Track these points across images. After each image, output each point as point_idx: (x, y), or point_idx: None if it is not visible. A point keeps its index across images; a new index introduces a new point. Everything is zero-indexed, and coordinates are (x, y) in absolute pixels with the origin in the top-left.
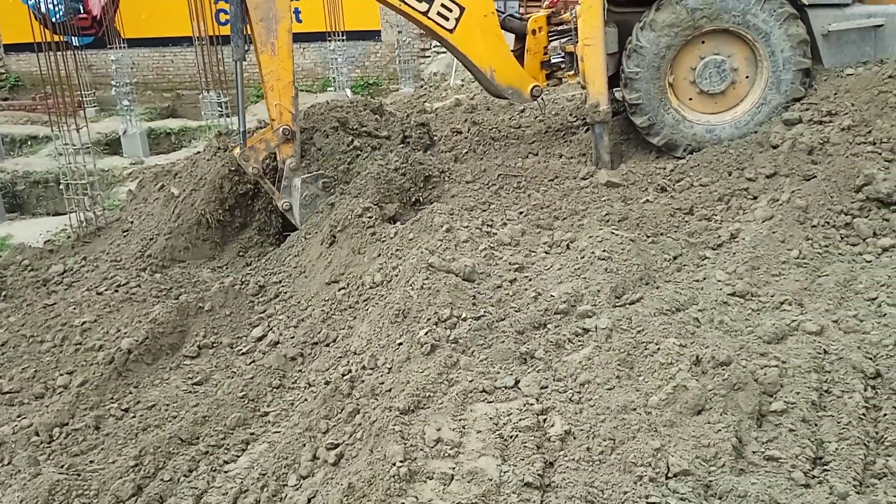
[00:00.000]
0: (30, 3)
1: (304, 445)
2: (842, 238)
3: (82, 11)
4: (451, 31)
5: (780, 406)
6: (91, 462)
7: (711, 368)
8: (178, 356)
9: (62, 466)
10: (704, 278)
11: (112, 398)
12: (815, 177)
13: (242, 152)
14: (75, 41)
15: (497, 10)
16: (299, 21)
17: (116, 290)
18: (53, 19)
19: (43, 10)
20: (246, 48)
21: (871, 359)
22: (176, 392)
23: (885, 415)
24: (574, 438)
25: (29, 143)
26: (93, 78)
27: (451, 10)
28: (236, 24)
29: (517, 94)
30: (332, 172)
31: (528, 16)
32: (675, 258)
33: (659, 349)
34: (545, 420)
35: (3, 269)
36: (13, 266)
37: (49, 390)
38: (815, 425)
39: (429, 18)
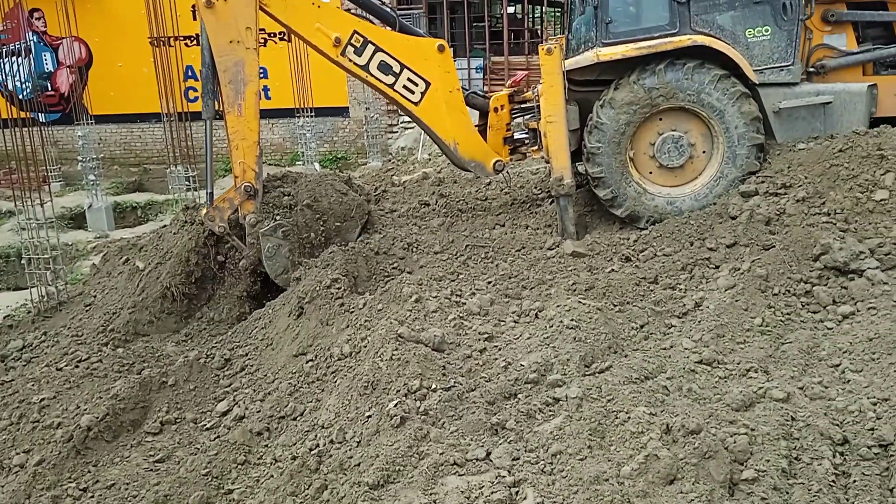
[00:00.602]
0: None
1: None
2: (803, 306)
3: (49, 88)
4: (416, 103)
5: (751, 474)
6: None
7: (682, 437)
8: (140, 433)
9: None
10: (671, 346)
11: (70, 478)
12: (774, 246)
13: (207, 212)
14: (42, 117)
15: (462, 87)
16: (268, 98)
17: (77, 366)
18: (20, 96)
19: (10, 87)
20: (217, 109)
21: (837, 425)
22: (137, 470)
23: (854, 481)
24: None
25: None
26: (59, 153)
27: (416, 85)
28: (207, 84)
29: (480, 168)
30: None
31: (491, 94)
32: (641, 327)
33: (629, 418)
34: (517, 493)
35: None
36: None
37: (4, 470)
38: (787, 493)
39: (395, 91)
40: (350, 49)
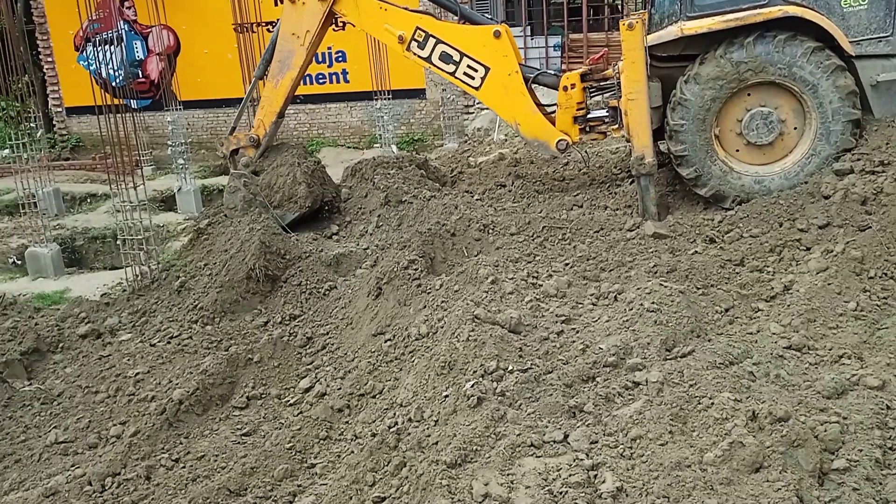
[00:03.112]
0: (91, 68)
1: (351, 499)
2: None
3: (141, 76)
4: (477, 88)
5: (843, 464)
6: None
7: (769, 424)
8: (228, 407)
9: None
10: (758, 331)
11: (163, 448)
12: (870, 227)
13: (219, 139)
14: (134, 104)
15: (532, 67)
16: (346, 81)
17: (169, 342)
18: (114, 84)
19: (104, 75)
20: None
21: None
22: (225, 443)
23: None
24: (626, 496)
25: (88, 200)
26: (150, 138)
27: (476, 70)
28: (267, 52)
29: (543, 147)
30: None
31: (567, 72)
32: (726, 310)
33: (713, 404)
34: (596, 476)
35: (60, 321)
36: (70, 318)
37: (102, 440)
38: (880, 484)
39: (455, 78)
40: (414, 44)
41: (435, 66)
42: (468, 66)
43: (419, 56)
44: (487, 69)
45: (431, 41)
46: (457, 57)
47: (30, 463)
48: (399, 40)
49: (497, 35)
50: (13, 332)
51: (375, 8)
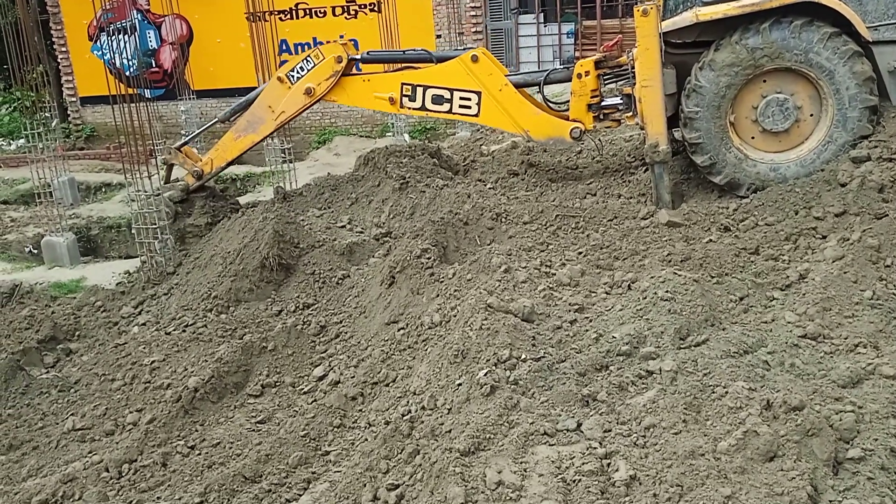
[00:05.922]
0: (105, 58)
1: (365, 486)
2: None
3: (154, 65)
4: (476, 115)
5: (858, 453)
6: (158, 499)
7: (783, 413)
8: (242, 395)
9: (130, 502)
10: (773, 320)
11: (179, 435)
12: (887, 215)
13: (167, 146)
14: (147, 93)
15: (528, 72)
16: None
17: (184, 331)
18: (127, 73)
19: (117, 64)
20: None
21: None
22: (240, 430)
23: None
24: (640, 484)
25: (103, 189)
26: (163, 128)
27: (469, 100)
28: (240, 104)
29: (559, 142)
30: None
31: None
32: (741, 299)
33: (727, 393)
34: (609, 464)
35: (77, 310)
36: (87, 307)
37: (119, 427)
38: (895, 473)
39: (453, 114)
40: (405, 99)
41: (430, 111)
42: (461, 99)
43: (414, 108)
44: (479, 94)
45: (420, 90)
46: (447, 95)
47: (48, 450)
48: (391, 102)
49: (475, 59)
50: (30, 320)
51: (360, 83)
